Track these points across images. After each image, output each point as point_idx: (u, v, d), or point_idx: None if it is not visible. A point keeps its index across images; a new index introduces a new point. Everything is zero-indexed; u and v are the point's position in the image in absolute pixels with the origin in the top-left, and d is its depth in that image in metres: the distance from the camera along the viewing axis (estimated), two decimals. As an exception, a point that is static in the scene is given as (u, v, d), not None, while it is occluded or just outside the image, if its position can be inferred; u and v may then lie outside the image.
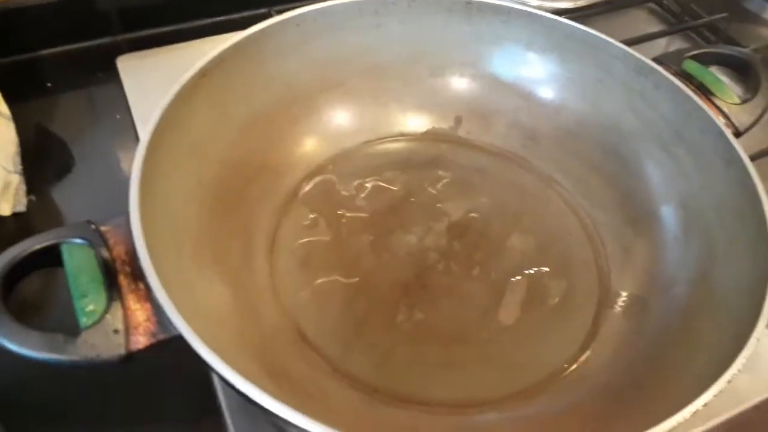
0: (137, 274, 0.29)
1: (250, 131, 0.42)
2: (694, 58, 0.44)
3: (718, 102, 0.41)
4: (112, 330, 0.28)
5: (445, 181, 0.46)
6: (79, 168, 0.51)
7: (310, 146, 0.45)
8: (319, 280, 0.40)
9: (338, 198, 0.44)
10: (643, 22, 0.67)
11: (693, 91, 0.41)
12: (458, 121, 0.48)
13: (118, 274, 0.29)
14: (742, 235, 0.35)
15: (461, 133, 0.48)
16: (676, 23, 0.66)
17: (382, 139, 0.47)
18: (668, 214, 0.41)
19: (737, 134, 0.40)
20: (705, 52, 0.44)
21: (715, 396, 0.26)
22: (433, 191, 0.45)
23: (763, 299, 0.30)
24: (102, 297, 0.28)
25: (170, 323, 0.27)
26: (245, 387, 0.26)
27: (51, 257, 0.30)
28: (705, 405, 0.26)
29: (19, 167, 0.48)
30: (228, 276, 0.37)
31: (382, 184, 0.45)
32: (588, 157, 0.45)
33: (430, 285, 0.40)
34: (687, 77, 0.43)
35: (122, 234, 0.31)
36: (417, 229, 0.43)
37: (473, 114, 0.48)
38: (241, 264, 0.38)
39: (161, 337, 0.28)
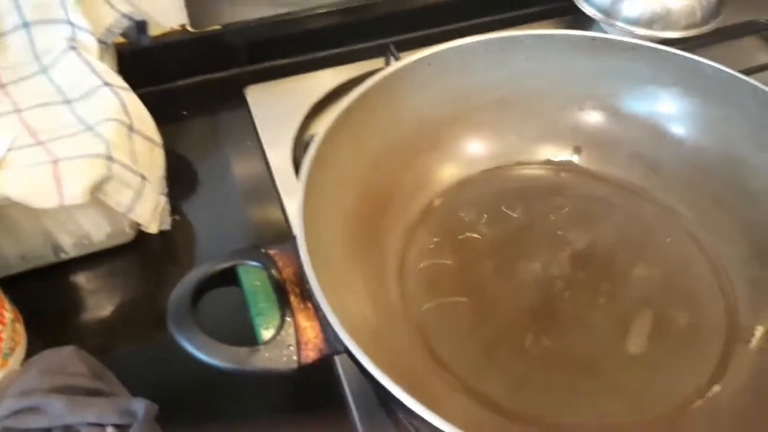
0: (305, 295, 0.32)
1: (382, 163, 0.45)
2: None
3: None
4: (286, 345, 0.31)
5: (565, 209, 0.47)
6: (213, 190, 0.56)
7: (434, 175, 0.48)
8: (445, 302, 0.42)
9: (460, 224, 0.46)
10: (757, 50, 0.66)
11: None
12: (577, 150, 0.50)
13: (289, 295, 0.32)
14: None
15: (581, 162, 0.50)
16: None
17: (501, 168, 0.49)
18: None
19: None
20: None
21: None
22: (554, 219, 0.47)
23: None
24: (276, 315, 0.31)
25: (336, 340, 0.30)
26: (408, 401, 0.28)
27: (228, 278, 0.33)
28: None
29: (165, 189, 0.52)
30: (369, 297, 0.39)
31: (504, 210, 0.47)
32: (711, 190, 0.46)
33: (556, 312, 0.41)
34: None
35: (289, 257, 0.34)
36: (540, 256, 0.44)
37: (593, 144, 0.49)
38: (376, 285, 0.41)
39: (328, 352, 0.31)
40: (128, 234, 0.50)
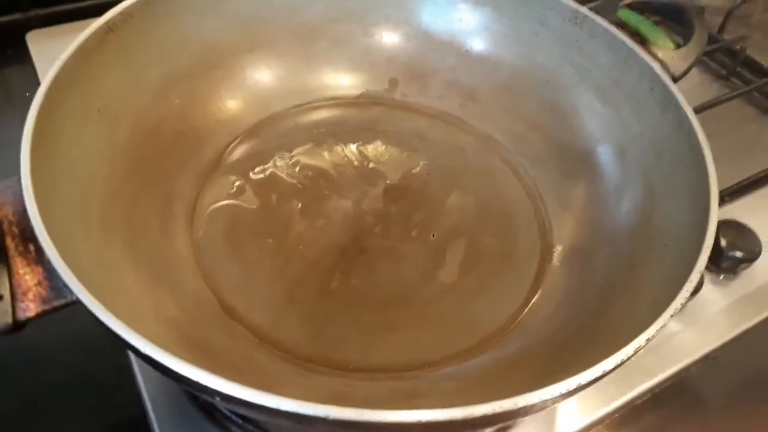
0: (27, 236, 0.26)
1: (166, 94, 0.39)
2: (629, 6, 0.42)
3: (653, 49, 0.40)
4: (-4, 297, 0.24)
5: (380, 145, 0.44)
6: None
7: (235, 111, 0.43)
8: (246, 249, 0.37)
9: (266, 164, 0.41)
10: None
11: (628, 38, 0.39)
12: (393, 83, 0.46)
13: (5, 236, 0.26)
14: (681, 176, 0.34)
15: (397, 95, 0.46)
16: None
17: (313, 103, 0.45)
18: (607, 164, 0.40)
19: (673, 80, 0.39)
20: (640, 1, 0.43)
21: (657, 331, 0.25)
22: (369, 155, 0.43)
23: (704, 234, 0.29)
24: (-16, 261, 0.25)
25: (66, 287, 0.24)
26: (148, 349, 0.23)
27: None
28: (648, 341, 0.24)
29: None
30: (142, 246, 0.33)
31: (314, 148, 0.43)
32: (526, 113, 0.44)
33: (367, 249, 0.38)
34: (622, 26, 0.42)
35: (12, 195, 0.27)
36: (352, 193, 0.40)
37: (409, 76, 0.46)
38: (158, 234, 0.35)
39: (55, 303, 0.25)
40: None
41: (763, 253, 0.42)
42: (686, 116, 0.35)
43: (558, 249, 0.38)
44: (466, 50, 0.46)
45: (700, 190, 0.31)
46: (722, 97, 0.51)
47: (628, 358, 0.24)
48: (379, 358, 0.33)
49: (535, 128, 0.44)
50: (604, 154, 0.40)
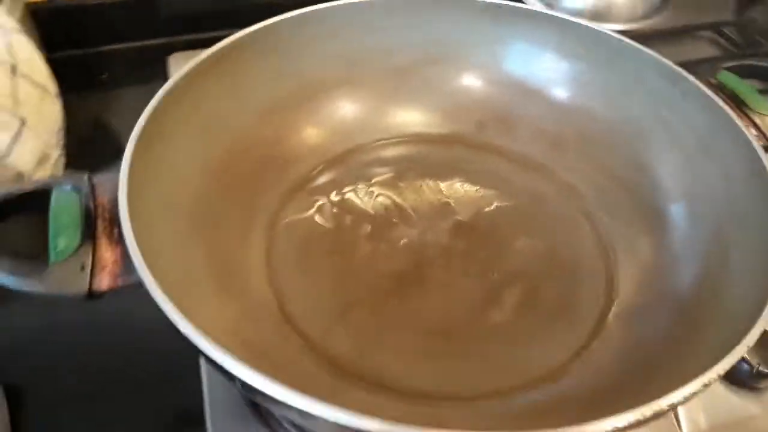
0: (115, 221, 0.30)
1: (262, 120, 0.43)
2: (730, 69, 0.41)
3: (750, 114, 0.38)
4: (78, 267, 0.28)
5: (458, 182, 0.45)
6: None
7: (323, 140, 0.46)
8: (312, 263, 0.39)
9: (345, 189, 0.44)
10: (697, 48, 0.64)
11: (724, 100, 0.38)
12: (480, 126, 0.48)
13: (97, 219, 0.30)
14: (759, 251, 0.32)
15: (483, 137, 0.47)
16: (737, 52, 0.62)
17: (397, 138, 0.47)
18: (683, 224, 0.38)
19: (769, 147, 0.37)
20: (741, 65, 0.41)
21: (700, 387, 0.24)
22: (444, 191, 0.44)
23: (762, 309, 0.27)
24: (76, 237, 0.29)
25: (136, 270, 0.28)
26: (198, 340, 0.25)
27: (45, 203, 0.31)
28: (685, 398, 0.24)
29: (61, 143, 0.51)
30: (220, 248, 0.37)
31: (393, 179, 0.45)
32: (612, 167, 0.43)
33: (425, 279, 0.39)
34: (721, 89, 0.40)
35: (112, 185, 0.32)
36: (420, 225, 0.42)
37: (496, 119, 0.47)
38: (237, 240, 0.39)
39: (124, 280, 0.29)
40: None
41: None
42: (773, 185, 0.33)
43: (620, 304, 0.37)
44: (556, 99, 0.46)
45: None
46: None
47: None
48: (411, 384, 0.33)
49: (619, 182, 0.43)
50: (682, 214, 0.38)
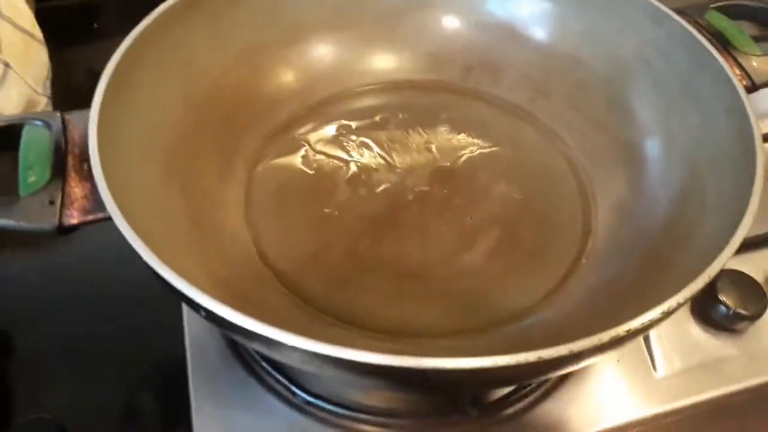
0: (85, 157, 0.31)
1: (247, 60, 0.43)
2: (719, 9, 0.40)
3: (735, 53, 0.37)
4: (47, 201, 0.29)
5: (441, 129, 0.45)
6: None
7: (311, 82, 0.45)
8: (289, 206, 0.40)
9: (328, 134, 0.44)
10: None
11: (708, 40, 0.37)
12: (467, 70, 0.47)
13: (68, 155, 0.31)
14: (729, 189, 0.32)
15: (469, 83, 0.47)
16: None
17: (382, 83, 0.47)
18: (663, 166, 0.38)
19: (753, 87, 0.36)
20: (731, 5, 0.40)
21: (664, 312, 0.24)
22: (427, 138, 0.44)
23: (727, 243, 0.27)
24: (46, 171, 0.30)
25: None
26: (164, 271, 0.26)
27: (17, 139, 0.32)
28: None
29: (48, 91, 0.51)
30: (197, 188, 0.37)
31: (377, 125, 0.45)
32: (594, 111, 0.43)
33: (399, 223, 0.39)
34: (708, 29, 0.39)
35: (84, 122, 0.32)
36: (400, 170, 0.42)
37: (483, 64, 0.47)
38: (214, 181, 0.39)
39: (94, 215, 0.29)
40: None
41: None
42: (749, 125, 0.32)
43: (594, 246, 0.37)
44: (541, 42, 0.45)
45: (742, 210, 0.29)
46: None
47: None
48: (383, 322, 0.34)
49: (600, 126, 0.42)
50: (658, 152, 0.38)
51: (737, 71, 0.37)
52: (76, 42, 0.60)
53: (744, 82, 0.36)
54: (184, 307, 0.39)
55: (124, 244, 0.26)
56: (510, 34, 0.46)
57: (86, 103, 0.31)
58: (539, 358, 0.23)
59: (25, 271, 0.43)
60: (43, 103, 0.50)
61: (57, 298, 0.41)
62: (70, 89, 0.54)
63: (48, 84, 0.51)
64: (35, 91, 0.49)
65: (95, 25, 0.61)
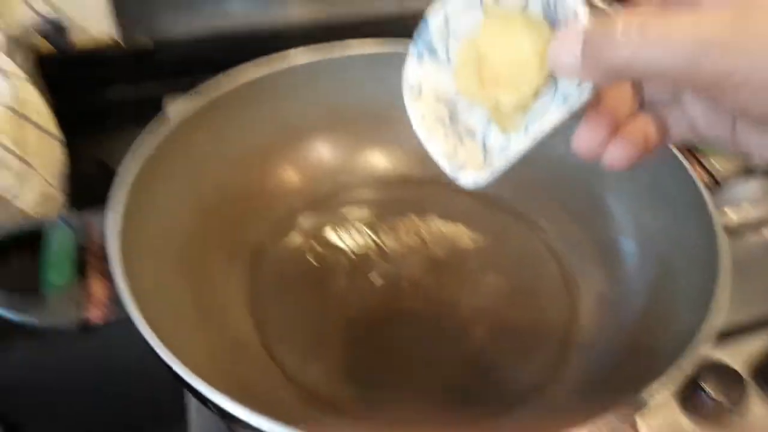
0: (106, 258, 0.33)
1: (250, 163, 0.47)
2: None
3: (697, 153, 0.41)
4: (71, 300, 0.31)
5: (432, 221, 0.48)
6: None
7: (306, 181, 0.49)
8: (292, 296, 0.42)
9: (328, 229, 0.47)
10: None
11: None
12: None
13: (90, 255, 0.33)
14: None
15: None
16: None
17: (376, 179, 0.50)
18: (632, 257, 0.41)
19: (715, 184, 0.40)
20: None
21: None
22: (421, 230, 0.47)
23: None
24: (68, 271, 0.32)
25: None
26: (180, 368, 0.28)
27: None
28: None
29: (64, 185, 0.54)
30: (204, 282, 0.40)
31: (374, 216, 0.48)
32: (573, 206, 0.46)
33: (399, 312, 0.42)
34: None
35: (102, 222, 0.35)
36: (395, 258, 0.45)
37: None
38: (221, 274, 0.42)
39: (116, 314, 0.32)
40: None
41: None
42: (712, 224, 0.36)
43: (579, 338, 0.40)
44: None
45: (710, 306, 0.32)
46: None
47: None
48: (378, 411, 0.36)
49: (577, 218, 0.46)
50: (633, 249, 0.41)
51: (698, 169, 0.40)
52: (85, 135, 0.63)
53: (705, 180, 0.40)
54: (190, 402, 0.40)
55: (138, 338, 0.29)
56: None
57: (99, 198, 0.34)
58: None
59: (41, 362, 0.44)
60: (58, 196, 0.53)
61: (66, 388, 0.43)
62: (81, 181, 0.57)
63: (63, 180, 0.54)
64: (51, 185, 0.52)
65: (106, 120, 0.65)
